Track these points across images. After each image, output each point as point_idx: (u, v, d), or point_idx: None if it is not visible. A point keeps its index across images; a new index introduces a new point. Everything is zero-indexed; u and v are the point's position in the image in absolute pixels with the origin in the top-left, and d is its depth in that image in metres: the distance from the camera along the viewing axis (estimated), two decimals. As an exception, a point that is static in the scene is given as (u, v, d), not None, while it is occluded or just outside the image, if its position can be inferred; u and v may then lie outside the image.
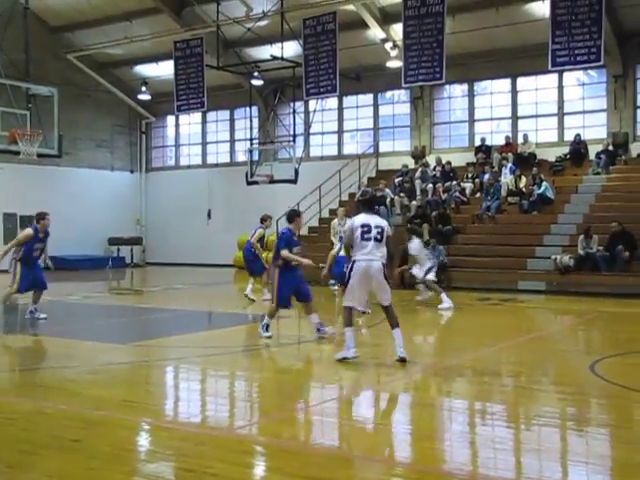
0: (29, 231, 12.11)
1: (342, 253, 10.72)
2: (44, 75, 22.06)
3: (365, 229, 8.27)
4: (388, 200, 21.41)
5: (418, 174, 21.98)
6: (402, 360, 8.28)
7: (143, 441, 5.90)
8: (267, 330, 10.24)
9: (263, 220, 15.78)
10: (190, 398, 7.48)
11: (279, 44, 21.26)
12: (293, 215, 10.38)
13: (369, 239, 8.24)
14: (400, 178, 22.14)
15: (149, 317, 13.50)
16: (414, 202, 20.93)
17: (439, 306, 14.03)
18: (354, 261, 8.30)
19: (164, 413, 6.78)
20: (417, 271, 14.98)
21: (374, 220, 8.42)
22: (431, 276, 14.84)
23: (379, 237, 8.29)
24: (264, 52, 23.46)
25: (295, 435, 6.01)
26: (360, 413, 6.79)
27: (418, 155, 23.68)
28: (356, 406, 7.06)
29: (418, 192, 21.50)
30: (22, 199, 25.55)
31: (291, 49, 22.20)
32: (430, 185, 21.33)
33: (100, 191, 28.26)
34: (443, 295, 14.21)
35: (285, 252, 9.88)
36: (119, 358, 9.63)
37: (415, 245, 14.70)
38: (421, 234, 16.91)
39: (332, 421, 6.42)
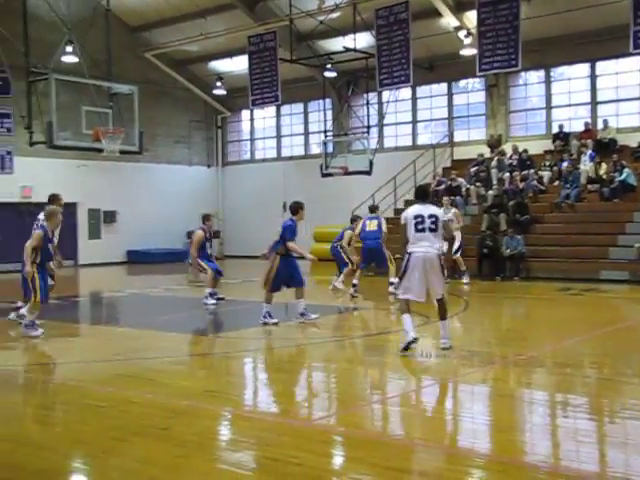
0: (40, 233, 10.38)
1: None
2: (124, 74, 22.68)
3: (419, 219, 8.28)
4: (463, 190, 21.18)
5: (494, 163, 21.66)
6: (446, 349, 8.50)
7: (226, 430, 6.06)
8: (270, 317, 10.80)
9: (353, 221, 16.05)
10: (269, 389, 7.62)
11: (352, 35, 21.25)
12: (296, 207, 10.93)
13: (423, 229, 8.27)
14: (476, 167, 21.86)
15: (228, 309, 13.76)
16: (490, 191, 20.64)
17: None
18: (410, 253, 8.31)
19: (245, 403, 6.94)
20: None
21: (427, 210, 8.39)
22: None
23: (434, 227, 8.28)
24: (337, 44, 23.49)
25: (375, 426, 6.06)
26: (439, 404, 6.79)
27: (494, 144, 23.31)
28: (435, 397, 7.05)
29: (495, 181, 21.20)
30: (105, 195, 26.43)
31: (364, 40, 22.16)
32: (507, 174, 21.00)
33: (179, 186, 28.90)
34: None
35: (292, 243, 10.67)
36: (201, 349, 9.90)
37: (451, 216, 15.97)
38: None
39: (411, 412, 6.44)
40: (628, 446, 5.35)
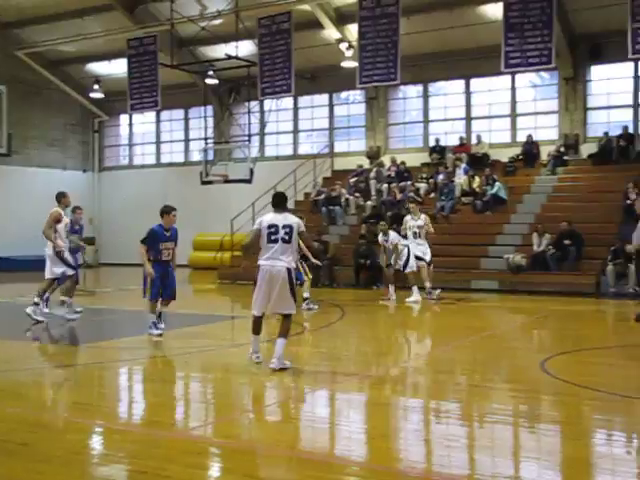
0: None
1: None
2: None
3: (272, 229, 7.90)
4: (343, 200, 21.50)
5: (373, 174, 22.11)
6: (276, 371, 7.90)
7: (95, 444, 5.82)
8: (155, 327, 10.28)
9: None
10: (143, 400, 7.40)
11: (234, 43, 21.18)
12: (162, 212, 10.60)
13: (276, 240, 7.88)
14: (355, 178, 22.24)
15: (101, 318, 13.33)
16: (369, 202, 21.04)
17: (407, 299, 14.96)
18: (259, 265, 7.99)
19: (116, 415, 6.70)
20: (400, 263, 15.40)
21: (284, 219, 7.97)
22: (410, 268, 15.30)
23: (287, 238, 7.89)
24: (219, 51, 23.36)
25: (249, 436, 6.00)
26: (315, 413, 6.80)
27: (373, 155, 23.82)
28: (311, 406, 7.06)
29: (373, 192, 21.63)
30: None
31: (246, 48, 22.15)
32: (385, 185, 21.47)
33: (51, 191, 27.40)
34: (415, 288, 15.05)
35: (142, 248, 10.21)
36: (71, 360, 9.50)
37: (394, 236, 15.31)
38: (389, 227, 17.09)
39: (287, 421, 6.42)
40: (494, 449, 5.54)
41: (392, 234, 15.39)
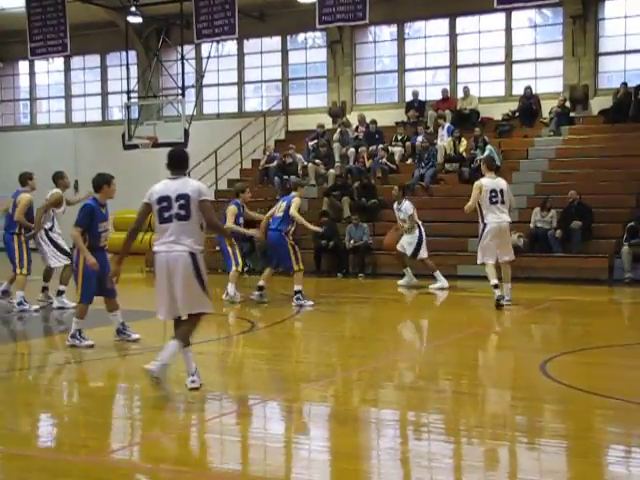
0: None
1: None
2: None
3: (164, 204, 7.30)
4: (300, 168, 21.46)
5: (337, 136, 22.09)
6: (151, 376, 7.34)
7: (-10, 473, 5.76)
8: (81, 338, 9.85)
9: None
10: (51, 417, 7.32)
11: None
12: (101, 182, 10.18)
13: (169, 219, 7.27)
14: (315, 141, 22.21)
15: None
16: (332, 170, 21.04)
17: (431, 286, 15.52)
18: (154, 252, 7.40)
19: (17, 438, 6.62)
20: (407, 245, 15.94)
21: (180, 188, 7.34)
22: (424, 253, 15.93)
23: (183, 213, 7.24)
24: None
25: (184, 459, 5.97)
26: (266, 429, 6.79)
27: (336, 113, 23.80)
28: (261, 420, 7.05)
29: (337, 158, 21.63)
30: None
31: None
32: (351, 149, 21.48)
33: None
34: (438, 273, 15.73)
35: (75, 231, 9.72)
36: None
37: (407, 207, 15.82)
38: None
39: (231, 439, 6.41)
40: (486, 470, 5.60)
41: (406, 203, 15.96)
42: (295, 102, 25.30)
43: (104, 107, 28.35)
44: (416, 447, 6.16)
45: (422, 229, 15.98)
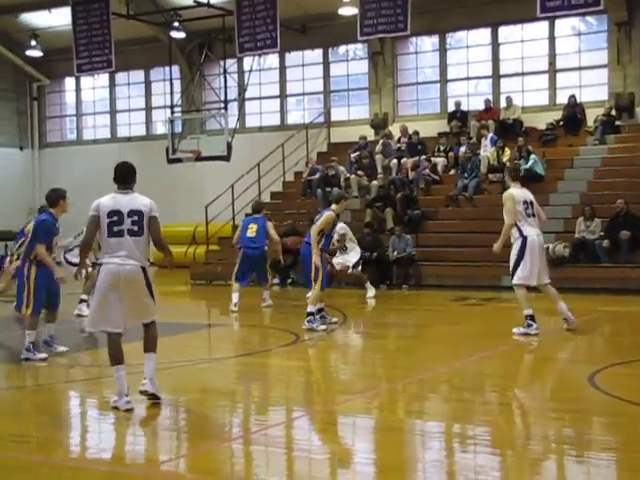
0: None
1: None
2: None
3: (114, 219, 7.28)
4: (342, 180, 21.48)
5: (379, 147, 22.08)
6: (148, 395, 7.54)
7: (40, 484, 5.83)
8: (35, 351, 9.93)
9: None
10: (99, 430, 7.40)
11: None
12: (57, 197, 10.14)
13: (120, 233, 7.30)
14: (357, 153, 22.20)
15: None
16: (374, 182, 21.01)
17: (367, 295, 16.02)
18: (100, 264, 7.40)
19: (67, 449, 6.70)
20: (342, 260, 16.37)
21: (127, 202, 7.40)
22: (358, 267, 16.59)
23: (136, 229, 7.34)
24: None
25: (231, 471, 5.99)
26: (312, 440, 6.80)
27: (379, 124, 23.79)
28: (306, 432, 7.06)
29: (379, 169, 21.60)
30: None
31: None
32: (394, 161, 21.45)
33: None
34: (368, 283, 16.28)
35: (41, 248, 9.70)
36: (5, 381, 9.49)
37: (341, 225, 15.70)
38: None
39: (275, 451, 6.42)
40: (534, 483, 5.55)
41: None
42: (337, 114, 25.33)
43: (148, 122, 28.61)
44: (462, 460, 6.12)
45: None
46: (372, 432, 7.07)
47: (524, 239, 11.14)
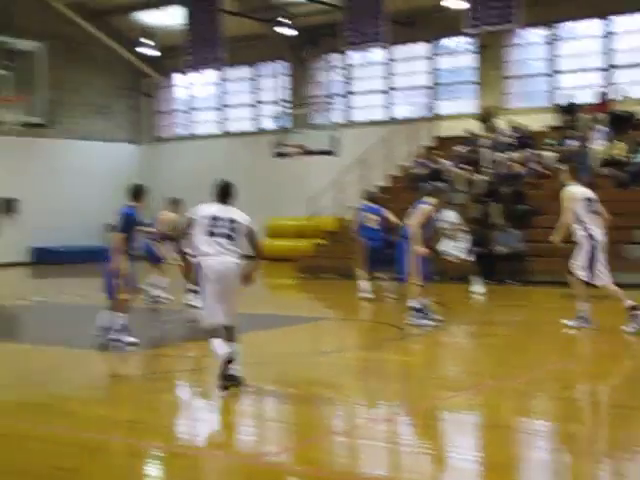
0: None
1: None
2: (28, 27, 22.31)
3: (213, 222, 8.06)
4: (449, 174, 21.33)
5: (486, 141, 21.83)
6: (233, 380, 7.86)
7: (153, 470, 6.00)
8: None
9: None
10: (207, 419, 7.57)
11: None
12: (138, 190, 10.74)
13: (218, 234, 8.01)
14: (464, 147, 22.02)
15: (159, 320, 13.68)
16: (481, 176, 20.81)
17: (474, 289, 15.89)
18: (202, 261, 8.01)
19: (177, 437, 6.88)
20: (450, 248, 15.92)
21: (225, 210, 8.18)
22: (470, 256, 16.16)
23: (231, 232, 8.05)
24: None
25: (336, 463, 6.06)
26: (417, 436, 6.81)
27: (486, 118, 23.50)
28: (412, 427, 7.07)
29: (487, 164, 21.37)
30: (3, 179, 25.95)
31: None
32: (501, 155, 21.19)
33: (95, 167, 28.59)
34: (477, 277, 16.13)
35: (119, 237, 10.26)
36: (122, 369, 9.80)
37: (450, 215, 15.76)
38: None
39: (381, 446, 6.44)
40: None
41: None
42: (443, 108, 25.14)
43: (256, 117, 28.96)
44: (569, 460, 6.03)
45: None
46: (478, 429, 7.03)
47: (589, 237, 11.16)
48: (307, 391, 8.36)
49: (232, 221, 8.07)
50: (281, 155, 23.58)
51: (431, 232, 12.51)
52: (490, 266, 17.94)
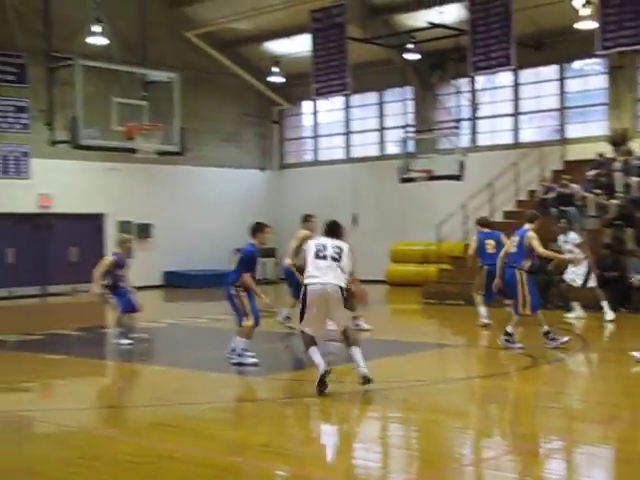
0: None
1: None
2: (161, 59, 23.11)
3: (320, 248, 9.25)
4: (579, 198, 20.87)
5: (619, 165, 21.26)
6: (365, 379, 9.00)
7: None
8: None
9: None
10: (337, 443, 7.62)
11: (438, 8, 21.26)
12: (257, 227, 11.23)
13: (324, 258, 9.18)
14: (595, 171, 21.52)
15: (288, 344, 13.86)
16: (613, 200, 20.28)
17: (568, 315, 15.73)
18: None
19: (308, 461, 6.95)
20: (573, 275, 15.85)
21: (331, 241, 9.34)
22: (593, 282, 15.81)
23: (336, 257, 9.19)
24: (419, 19, 23.53)
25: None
26: (550, 469, 6.66)
27: (618, 141, 22.90)
28: (544, 460, 6.93)
29: (620, 188, 20.81)
30: (138, 205, 26.83)
31: (453, 13, 22.17)
32: (635, 179, 20.60)
33: (225, 193, 29.21)
34: (605, 303, 15.60)
35: (247, 277, 10.87)
36: (253, 394, 9.97)
37: (573, 237, 15.85)
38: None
39: (511, 477, 6.35)
40: None
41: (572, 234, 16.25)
42: (573, 131, 24.64)
43: (381, 142, 29.07)
44: None
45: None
46: (613, 462, 6.84)
47: None
48: (433, 418, 8.31)
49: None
50: (406, 180, 23.58)
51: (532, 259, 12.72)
52: (623, 293, 17.43)
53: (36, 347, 13.73)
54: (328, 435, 8.08)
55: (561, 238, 16.36)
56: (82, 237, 25.64)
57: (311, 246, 9.37)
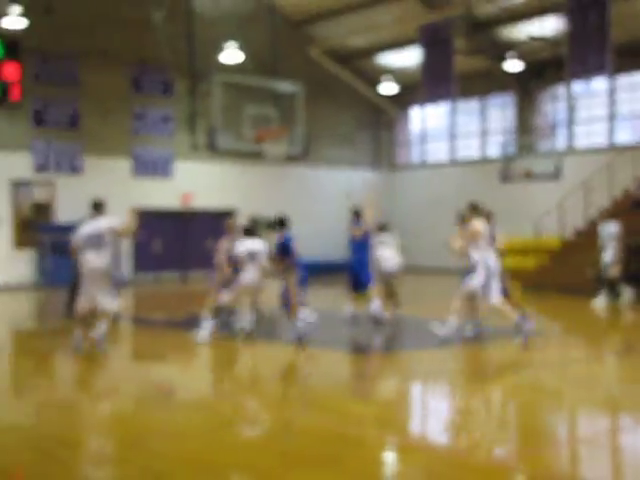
0: None
1: None
2: (288, 72, 23.46)
3: None
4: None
5: None
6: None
7: (406, 465, 6.13)
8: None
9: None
10: (449, 418, 7.58)
11: (537, 20, 20.82)
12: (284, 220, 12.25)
13: None
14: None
15: (404, 325, 13.85)
16: None
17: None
18: None
19: (418, 434, 6.98)
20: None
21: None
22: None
23: None
24: (520, 31, 23.13)
25: (562, 470, 5.91)
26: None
27: None
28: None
29: None
30: (264, 201, 27.20)
31: (551, 25, 21.66)
32: None
33: (341, 191, 29.31)
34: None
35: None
36: (371, 370, 10.04)
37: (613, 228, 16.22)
38: None
39: (613, 457, 6.23)
40: None
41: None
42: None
43: (483, 145, 28.67)
44: None
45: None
46: None
47: None
48: (536, 399, 8.20)
49: None
50: (507, 180, 23.23)
51: None
52: None
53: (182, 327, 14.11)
54: (443, 411, 7.97)
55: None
56: (217, 229, 26.15)
57: None
